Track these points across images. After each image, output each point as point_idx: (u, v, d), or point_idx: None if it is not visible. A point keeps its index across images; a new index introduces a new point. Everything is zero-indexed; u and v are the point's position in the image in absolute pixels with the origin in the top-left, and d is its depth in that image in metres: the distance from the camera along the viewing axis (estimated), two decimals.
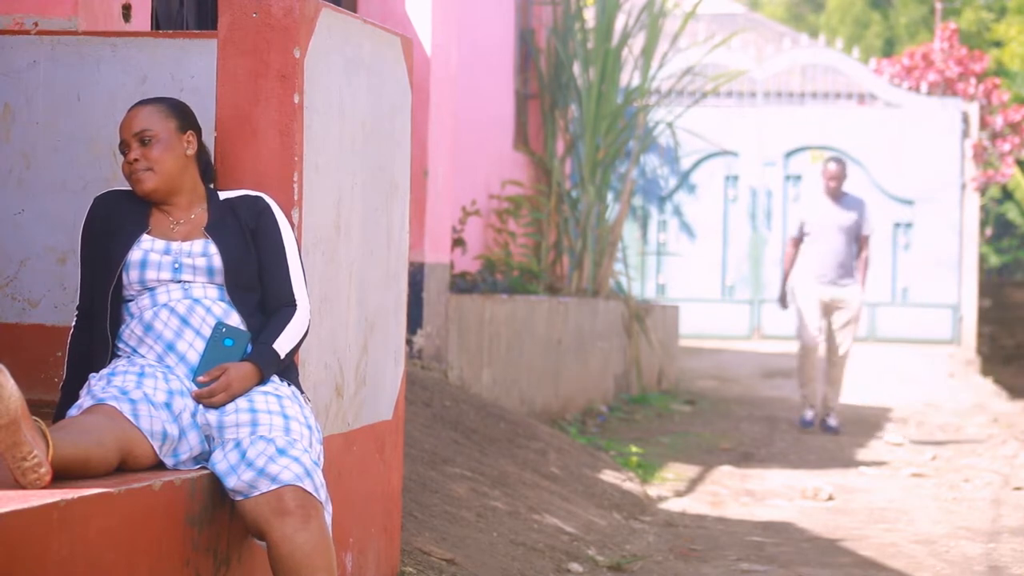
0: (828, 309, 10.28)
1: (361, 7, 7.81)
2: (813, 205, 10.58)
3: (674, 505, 7.09)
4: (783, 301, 10.49)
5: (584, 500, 6.60)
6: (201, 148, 3.55)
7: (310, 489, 3.18)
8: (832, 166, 10.45)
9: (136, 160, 3.42)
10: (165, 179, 3.43)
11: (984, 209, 23.77)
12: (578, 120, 11.46)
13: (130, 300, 3.40)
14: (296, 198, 3.60)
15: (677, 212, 18.02)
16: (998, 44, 27.68)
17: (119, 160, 3.88)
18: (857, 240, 10.35)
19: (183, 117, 3.50)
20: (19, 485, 2.81)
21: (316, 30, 3.68)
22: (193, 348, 3.34)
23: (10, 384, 2.82)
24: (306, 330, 3.47)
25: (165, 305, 3.36)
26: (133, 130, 3.44)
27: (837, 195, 10.43)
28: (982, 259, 23.20)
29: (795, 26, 30.74)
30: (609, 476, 7.27)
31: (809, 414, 10.46)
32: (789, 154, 17.87)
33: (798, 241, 10.47)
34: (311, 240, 3.69)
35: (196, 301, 3.37)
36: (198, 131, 3.53)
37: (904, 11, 30.86)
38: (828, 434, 10.15)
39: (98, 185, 3.89)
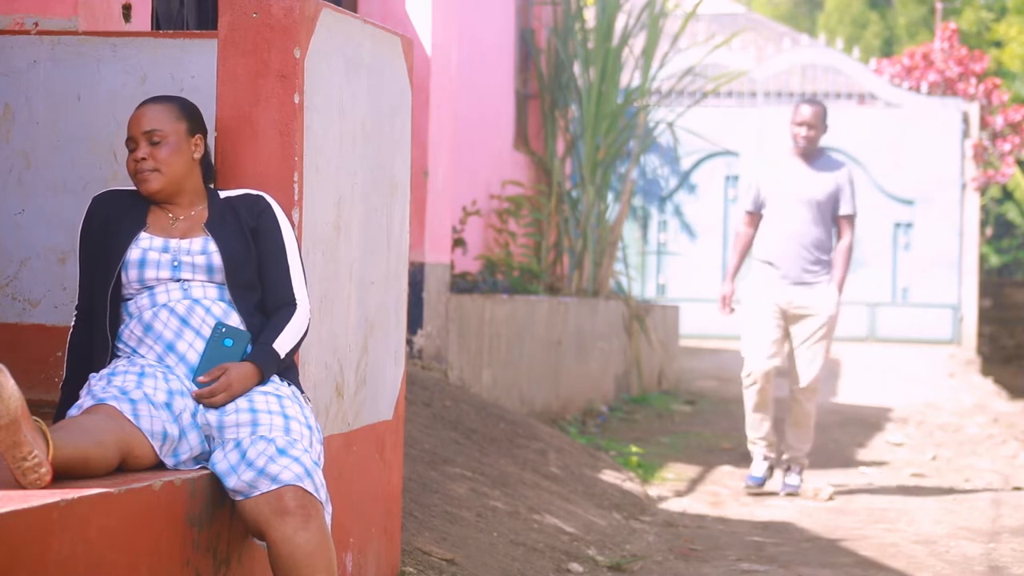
0: (789, 318, 7.37)
1: (361, 7, 7.81)
2: (774, 166, 7.55)
3: (674, 505, 7.08)
4: (726, 301, 7.55)
5: (584, 500, 6.60)
6: (205, 150, 3.54)
7: (310, 489, 3.18)
8: (806, 109, 7.37)
9: (143, 159, 3.41)
10: (170, 181, 3.43)
11: (984, 209, 23.78)
12: (578, 120, 11.47)
13: (129, 299, 3.40)
14: (296, 198, 3.60)
15: (677, 212, 18.03)
16: (998, 44, 27.70)
17: (119, 160, 3.88)
18: (833, 220, 7.39)
19: (193, 120, 3.49)
20: (19, 485, 2.81)
21: (316, 30, 3.68)
22: (193, 348, 3.34)
23: (10, 384, 2.82)
24: (306, 329, 3.47)
25: (164, 305, 3.36)
26: (143, 128, 3.43)
27: (811, 154, 7.41)
28: (982, 259, 23.22)
29: (793, 26, 30.76)
30: (609, 476, 7.27)
31: (760, 469, 7.47)
32: None
33: (756, 218, 7.52)
34: (311, 240, 3.69)
35: (196, 301, 3.37)
36: (206, 134, 3.53)
37: (903, 11, 30.87)
38: (786, 493, 7.43)
39: (98, 185, 3.89)
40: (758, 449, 7.46)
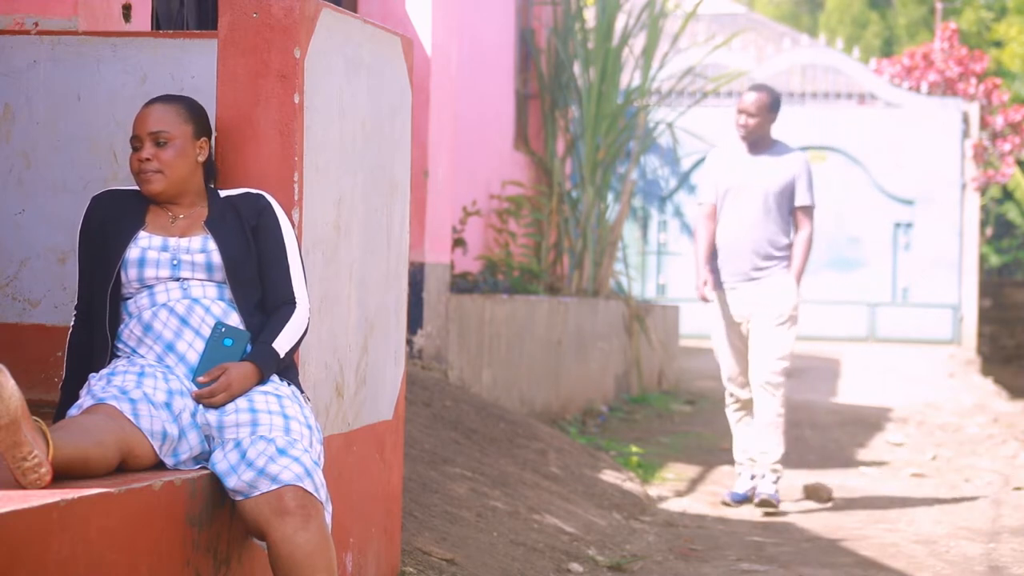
0: (748, 317, 6.94)
1: (361, 7, 7.81)
2: (723, 157, 7.07)
3: (674, 505, 7.08)
4: (708, 285, 6.96)
5: (584, 500, 6.60)
6: (209, 152, 3.54)
7: (310, 489, 3.18)
8: (747, 96, 6.92)
9: (147, 160, 3.40)
10: (173, 183, 3.42)
11: (984, 209, 23.79)
12: (578, 120, 11.47)
13: (129, 299, 3.39)
14: (296, 198, 3.60)
15: (677, 212, 18.04)
16: (998, 44, 27.71)
17: (119, 160, 3.88)
18: (790, 212, 6.90)
19: (199, 122, 3.48)
20: (19, 485, 2.81)
21: (316, 30, 3.68)
22: (192, 348, 3.33)
23: (10, 384, 2.82)
24: (305, 328, 3.47)
25: (164, 305, 3.36)
26: (149, 128, 3.41)
27: (759, 143, 6.95)
28: (982, 259, 23.22)
29: (793, 25, 30.77)
30: (609, 476, 7.27)
31: (744, 487, 7.08)
32: None
33: (716, 211, 7.03)
34: (311, 240, 3.69)
35: (195, 301, 3.37)
36: (211, 136, 3.52)
37: (903, 11, 30.88)
38: (758, 501, 6.90)
39: (98, 185, 3.89)
40: (746, 469, 7.09)
